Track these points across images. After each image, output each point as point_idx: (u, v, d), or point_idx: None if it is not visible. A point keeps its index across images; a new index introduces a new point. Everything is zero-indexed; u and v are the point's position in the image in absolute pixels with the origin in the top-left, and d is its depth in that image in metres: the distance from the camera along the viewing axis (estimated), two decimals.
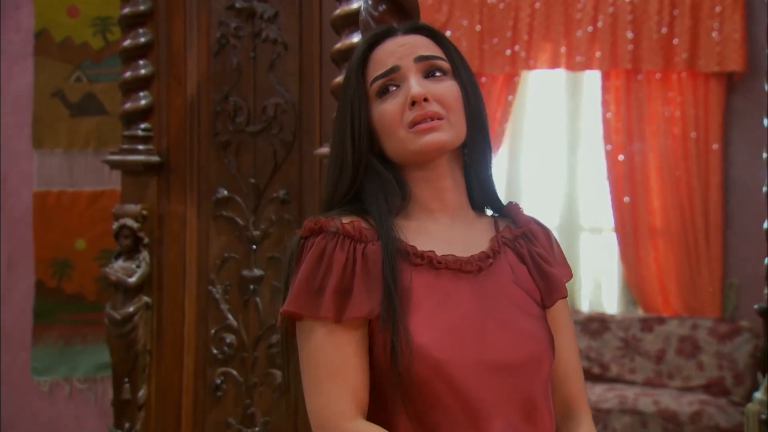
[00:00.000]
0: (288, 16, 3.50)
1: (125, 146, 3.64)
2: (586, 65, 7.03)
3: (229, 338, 3.59)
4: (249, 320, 3.57)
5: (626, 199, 7.07)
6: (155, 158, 3.63)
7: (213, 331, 3.61)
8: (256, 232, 3.55)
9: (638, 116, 6.98)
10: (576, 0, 6.98)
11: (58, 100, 4.57)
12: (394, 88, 1.88)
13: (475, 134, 1.93)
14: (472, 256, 1.88)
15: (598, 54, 6.96)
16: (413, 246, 1.84)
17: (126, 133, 3.64)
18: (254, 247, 3.55)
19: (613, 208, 7.11)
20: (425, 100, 1.84)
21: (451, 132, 1.87)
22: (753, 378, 6.61)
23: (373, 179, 1.91)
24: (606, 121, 7.08)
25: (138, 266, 3.60)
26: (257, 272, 3.55)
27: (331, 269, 1.77)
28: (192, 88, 3.62)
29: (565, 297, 1.98)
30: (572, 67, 7.03)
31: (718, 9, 6.71)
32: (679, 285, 6.99)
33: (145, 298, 3.62)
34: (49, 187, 4.53)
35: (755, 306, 3.72)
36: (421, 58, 1.89)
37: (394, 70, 1.87)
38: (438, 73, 1.89)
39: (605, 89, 7.08)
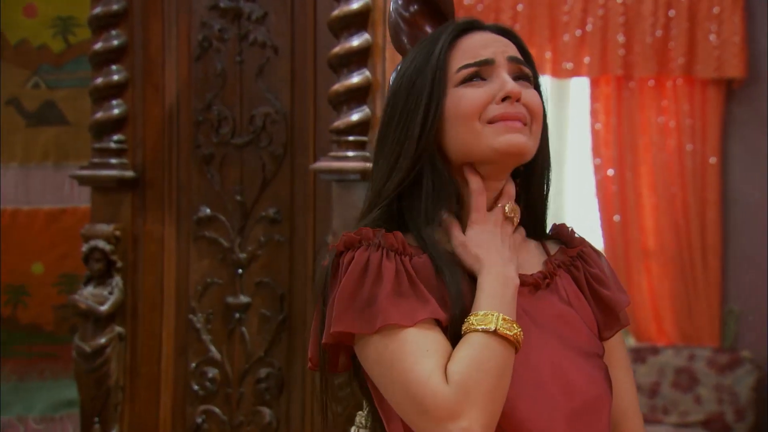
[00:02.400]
0: (278, 16, 3.52)
1: (96, 160, 3.63)
2: (574, 72, 7.12)
3: (212, 372, 3.59)
4: (234, 352, 3.57)
5: (617, 217, 7.16)
6: (129, 173, 3.62)
7: (194, 364, 3.61)
8: (243, 255, 3.55)
9: (630, 127, 7.08)
10: (563, 1, 7.07)
11: (13, 109, 4.54)
12: (479, 80, 1.91)
13: (540, 151, 1.96)
14: (531, 275, 1.91)
15: (586, 60, 7.05)
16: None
17: (97, 145, 3.63)
18: (240, 271, 3.56)
19: (602, 228, 7.19)
20: (518, 100, 1.88)
21: (531, 141, 1.89)
22: (755, 413, 6.71)
23: (429, 178, 1.92)
24: (595, 133, 7.17)
25: (110, 293, 3.59)
26: (243, 299, 3.55)
27: (382, 278, 1.77)
28: (171, 96, 3.62)
29: (627, 326, 2.02)
30: (559, 74, 7.12)
31: (716, 10, 6.83)
32: (674, 311, 7.07)
33: (118, 329, 3.61)
34: (2, 205, 4.50)
35: None
36: (514, 59, 1.92)
37: (489, 62, 1.90)
38: (524, 80, 1.93)
39: (594, 98, 7.18)
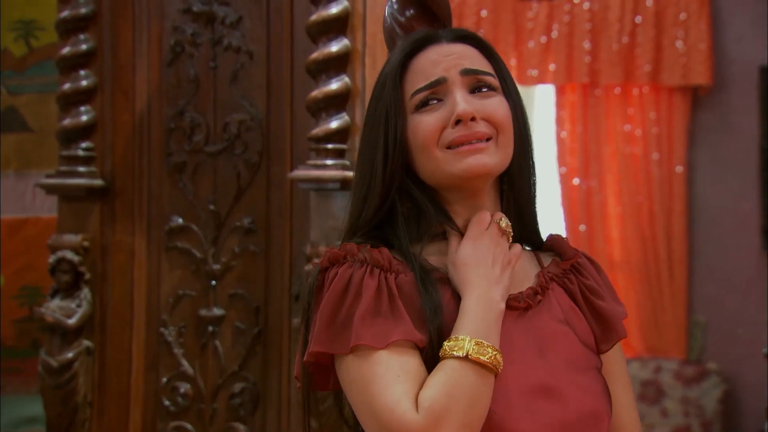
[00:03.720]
0: (253, 21, 3.51)
1: (63, 168, 3.60)
2: (539, 79, 7.14)
3: (184, 388, 3.56)
4: (207, 367, 3.55)
5: (582, 227, 7.18)
6: (98, 182, 3.60)
7: (165, 379, 3.58)
8: (216, 266, 3.54)
9: (596, 135, 7.11)
10: (527, 7, 7.09)
11: None
12: (435, 102, 1.89)
13: (519, 158, 1.94)
14: (520, 292, 1.90)
15: (552, 67, 7.08)
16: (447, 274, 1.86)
17: (64, 153, 3.60)
18: (214, 283, 3.54)
19: (567, 238, 7.20)
20: (473, 119, 1.85)
21: (498, 155, 1.87)
22: (722, 427, 6.75)
23: (405, 203, 1.92)
24: (560, 141, 7.19)
25: (78, 305, 3.55)
26: (217, 312, 3.54)
27: (360, 296, 1.76)
28: (141, 103, 3.60)
29: (624, 338, 2.01)
30: (523, 81, 7.13)
31: (683, 16, 6.88)
32: (640, 323, 7.10)
33: (86, 342, 3.58)
34: None
35: (764, 350, 3.78)
36: (468, 72, 1.89)
37: (440, 82, 1.87)
38: (485, 89, 1.90)
39: (560, 105, 7.20)
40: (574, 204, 7.16)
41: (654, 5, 6.91)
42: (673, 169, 7.03)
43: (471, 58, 1.93)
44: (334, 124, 3.27)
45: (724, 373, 6.83)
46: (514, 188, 1.96)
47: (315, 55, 3.27)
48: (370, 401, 1.70)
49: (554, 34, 7.06)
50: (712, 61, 6.89)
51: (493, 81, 1.91)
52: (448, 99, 1.87)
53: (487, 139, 1.86)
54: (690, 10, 6.87)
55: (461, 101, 1.85)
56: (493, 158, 1.86)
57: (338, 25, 3.28)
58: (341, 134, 3.28)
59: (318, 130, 3.26)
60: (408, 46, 1.96)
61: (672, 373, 6.87)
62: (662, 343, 7.07)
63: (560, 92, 7.19)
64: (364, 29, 3.34)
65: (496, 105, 1.89)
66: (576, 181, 7.16)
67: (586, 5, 7.00)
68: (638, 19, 6.94)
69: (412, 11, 2.22)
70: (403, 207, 1.91)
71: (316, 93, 3.27)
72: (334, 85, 3.27)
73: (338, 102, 3.28)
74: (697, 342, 7.05)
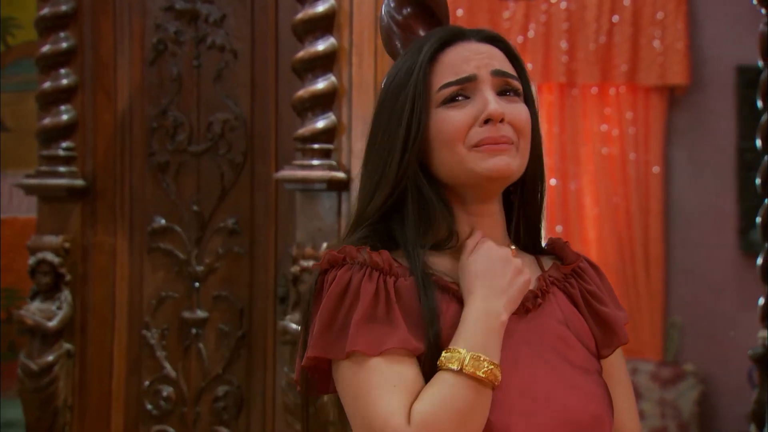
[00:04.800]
0: (238, 19, 3.50)
1: (43, 168, 3.58)
2: None
3: (167, 391, 3.55)
4: (190, 370, 3.54)
5: (558, 228, 7.21)
6: (79, 182, 3.58)
7: (147, 382, 3.57)
8: (200, 268, 3.53)
9: (572, 135, 7.14)
10: (504, 7, 7.11)
11: None
12: (462, 99, 1.89)
13: (533, 167, 1.95)
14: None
15: (528, 66, 7.03)
16: (453, 282, 1.86)
17: (44, 152, 3.59)
18: (197, 284, 3.54)
19: (544, 238, 7.22)
20: (501, 120, 1.86)
21: (517, 160, 1.85)
22: (699, 428, 6.79)
23: (414, 200, 1.92)
24: None
25: (58, 308, 3.54)
26: (200, 314, 3.53)
27: (358, 301, 1.75)
28: (123, 102, 3.59)
29: (626, 343, 2.02)
30: None
31: (660, 15, 6.93)
32: None
33: (67, 345, 3.56)
34: None
35: (749, 352, 3.79)
36: (498, 73, 1.88)
37: (471, 79, 1.86)
38: (511, 93, 1.89)
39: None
40: (550, 204, 7.18)
41: (631, 4, 6.95)
42: (650, 169, 7.07)
43: (500, 60, 1.92)
44: (321, 124, 3.26)
45: (700, 374, 6.87)
46: (525, 196, 1.96)
47: (301, 53, 3.27)
48: (364, 411, 1.70)
49: (531, 33, 7.09)
50: (689, 61, 6.93)
51: (518, 86, 1.90)
52: (477, 97, 1.86)
53: (511, 143, 1.86)
54: (667, 9, 6.91)
55: (493, 101, 1.85)
56: (515, 162, 1.85)
57: (324, 24, 3.28)
58: (328, 134, 3.28)
59: (304, 130, 3.26)
60: (437, 40, 1.95)
61: (648, 375, 6.91)
62: (639, 345, 7.10)
63: (537, 92, 7.21)
64: (350, 28, 3.34)
65: (521, 110, 1.88)
66: (553, 181, 7.18)
67: (563, 5, 7.04)
68: (615, 18, 6.98)
69: (409, 9, 2.21)
70: (412, 202, 1.90)
71: (302, 92, 3.26)
72: (321, 85, 3.27)
73: (325, 101, 3.27)
74: (673, 343, 7.09)
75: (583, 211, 7.20)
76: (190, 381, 3.54)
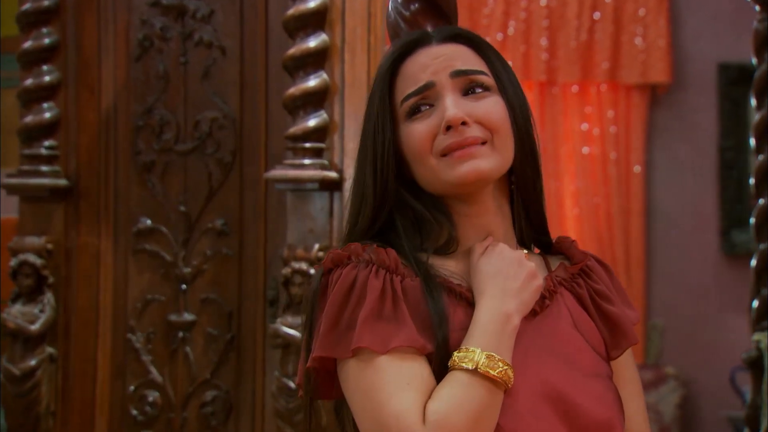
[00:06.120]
0: (226, 15, 3.49)
1: (25, 167, 3.56)
2: None
3: (152, 396, 3.54)
4: (177, 374, 3.53)
5: None
6: (62, 181, 3.57)
7: (132, 387, 3.56)
8: (187, 270, 3.52)
9: (553, 135, 7.15)
10: (483, 3, 7.11)
11: None
12: (427, 108, 1.87)
13: (522, 159, 1.93)
14: None
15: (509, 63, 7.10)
16: (459, 284, 1.86)
17: (26, 151, 3.57)
18: (184, 287, 3.53)
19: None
20: (464, 123, 1.84)
21: (494, 158, 1.84)
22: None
23: (404, 214, 1.91)
24: None
25: (41, 311, 3.52)
26: (187, 317, 3.52)
27: (364, 299, 1.75)
28: (108, 99, 3.58)
29: (635, 344, 2.02)
30: None
31: (642, 12, 6.95)
32: None
33: (50, 349, 3.54)
34: None
35: (743, 355, 3.80)
36: (458, 73, 1.87)
37: (428, 86, 1.86)
38: (479, 90, 1.88)
39: None
40: None
41: (613, 1, 6.98)
42: (631, 168, 7.09)
43: (462, 58, 1.91)
44: (312, 122, 3.26)
45: (682, 377, 6.90)
46: (521, 191, 1.96)
47: (292, 50, 3.26)
48: (376, 410, 1.69)
49: (510, 30, 7.10)
50: (671, 58, 6.96)
51: (487, 80, 1.88)
52: (439, 104, 1.85)
53: (483, 143, 1.85)
54: (649, 5, 6.94)
55: (451, 106, 1.83)
56: (489, 162, 1.84)
57: (316, 20, 3.27)
58: (319, 133, 3.27)
59: (295, 129, 3.26)
60: (396, 50, 1.95)
61: None
62: None
63: None
64: (343, 24, 3.34)
65: (490, 106, 1.86)
66: None
67: (544, 1, 7.06)
68: (597, 15, 7.00)
69: (416, 5, 2.20)
70: (403, 217, 1.90)
71: (293, 90, 3.26)
72: (312, 82, 3.26)
73: (316, 99, 3.27)
74: (654, 346, 7.11)
75: (563, 212, 7.21)
76: (176, 386, 3.53)
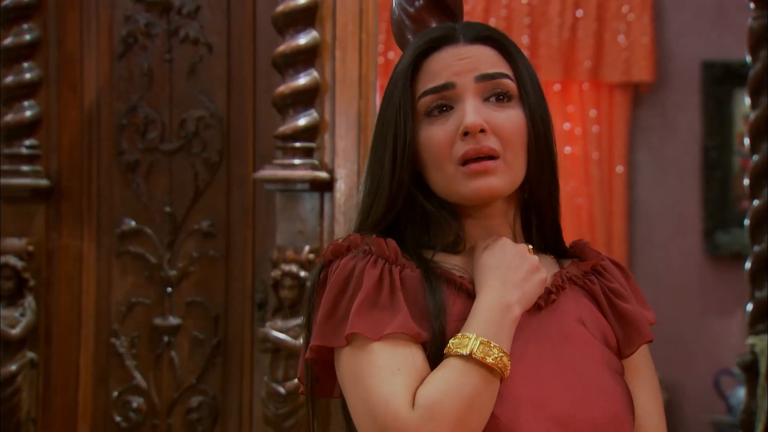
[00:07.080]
0: (213, 11, 3.49)
1: (5, 167, 3.55)
2: None
3: (137, 402, 3.53)
4: (162, 380, 3.52)
5: None
6: (43, 182, 3.56)
7: (116, 393, 3.55)
8: (172, 272, 3.51)
9: None
10: (463, 0, 7.10)
11: None
12: (446, 110, 1.87)
13: (540, 169, 1.93)
14: None
15: None
16: (461, 276, 1.85)
17: (6, 151, 3.56)
18: (169, 290, 3.52)
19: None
20: (482, 131, 1.84)
21: (506, 176, 1.85)
22: None
23: (413, 210, 1.91)
24: None
25: (22, 314, 3.51)
26: (173, 321, 3.51)
27: (360, 287, 1.75)
28: (90, 97, 3.57)
29: (650, 341, 2.01)
30: None
31: (625, 9, 6.96)
32: None
33: (30, 354, 3.54)
34: None
35: (737, 359, 3.81)
36: (483, 77, 1.86)
37: (448, 87, 1.85)
38: (501, 97, 1.87)
39: None
40: None
41: None
42: (614, 168, 7.11)
43: (489, 61, 1.89)
44: (302, 122, 3.26)
45: (665, 381, 6.90)
46: (537, 202, 1.95)
47: (282, 47, 3.26)
48: (366, 394, 1.70)
49: None
50: (655, 57, 6.98)
51: (511, 86, 1.87)
52: (459, 107, 1.85)
53: (496, 157, 1.84)
54: (632, 3, 6.95)
55: (470, 112, 1.82)
56: (502, 179, 1.84)
57: (306, 16, 3.27)
58: (310, 132, 3.27)
59: (285, 128, 3.26)
60: (422, 45, 1.94)
61: None
62: None
63: None
64: (333, 20, 3.34)
65: (508, 118, 1.86)
66: None
67: None
68: (579, 12, 7.01)
69: (421, 1, 2.19)
70: (411, 214, 1.90)
71: (283, 88, 3.26)
72: (302, 80, 3.26)
73: (306, 98, 3.27)
74: None
75: None
76: (161, 392, 3.52)
